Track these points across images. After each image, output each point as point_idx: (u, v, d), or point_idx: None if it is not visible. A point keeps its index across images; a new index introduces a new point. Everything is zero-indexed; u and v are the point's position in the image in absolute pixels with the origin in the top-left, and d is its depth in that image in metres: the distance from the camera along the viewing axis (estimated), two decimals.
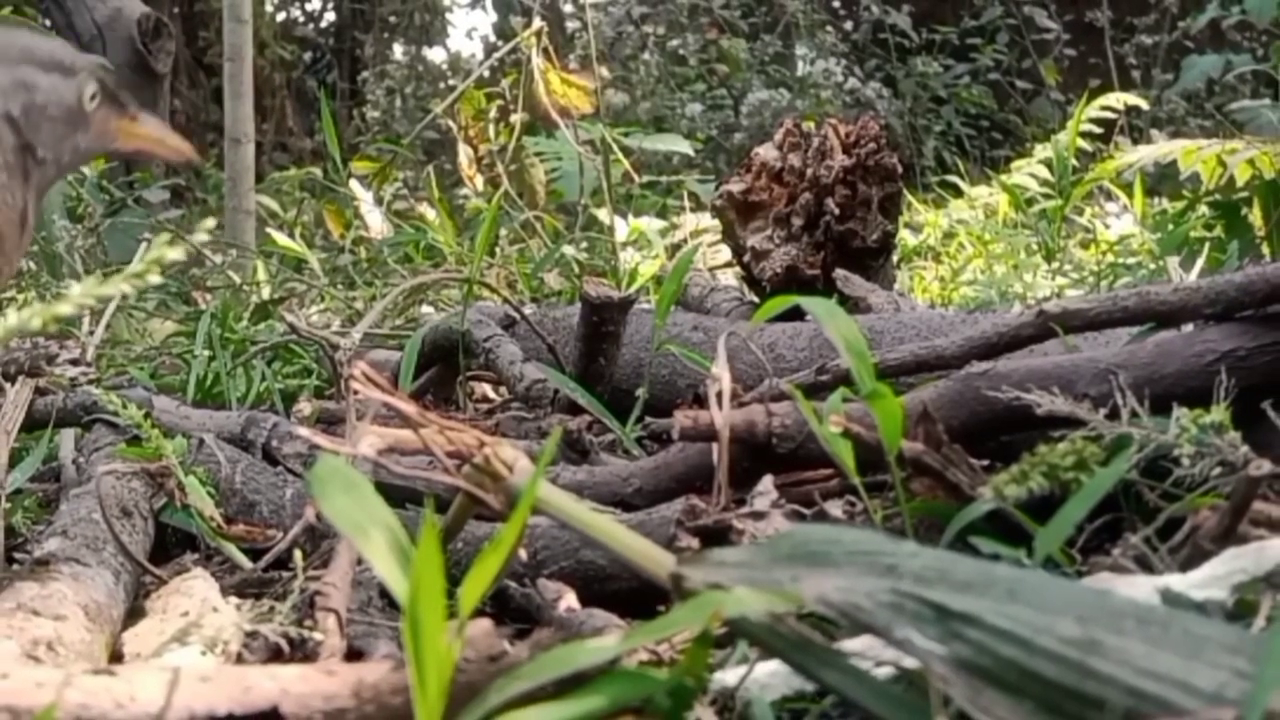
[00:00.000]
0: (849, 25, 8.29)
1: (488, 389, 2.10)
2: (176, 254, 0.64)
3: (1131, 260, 3.04)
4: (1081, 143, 3.77)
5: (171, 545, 1.30)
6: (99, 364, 2.16)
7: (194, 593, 1.03)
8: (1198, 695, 0.54)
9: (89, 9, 5.68)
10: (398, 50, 9.48)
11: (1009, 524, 0.91)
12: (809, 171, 2.12)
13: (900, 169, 2.15)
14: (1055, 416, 0.99)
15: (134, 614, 1.05)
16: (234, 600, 1.05)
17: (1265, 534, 0.84)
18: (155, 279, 0.65)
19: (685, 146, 4.49)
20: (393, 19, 9.53)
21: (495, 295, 2.17)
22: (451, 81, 7.97)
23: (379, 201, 3.76)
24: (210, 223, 0.72)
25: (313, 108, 8.69)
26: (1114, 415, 0.97)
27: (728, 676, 0.74)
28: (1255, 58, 6.23)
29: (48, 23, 5.57)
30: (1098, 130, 4.07)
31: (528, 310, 1.94)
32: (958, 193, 4.41)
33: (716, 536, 1.01)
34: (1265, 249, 2.48)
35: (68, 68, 1.00)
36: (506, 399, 1.93)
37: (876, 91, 7.51)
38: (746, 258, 2.16)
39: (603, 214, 3.44)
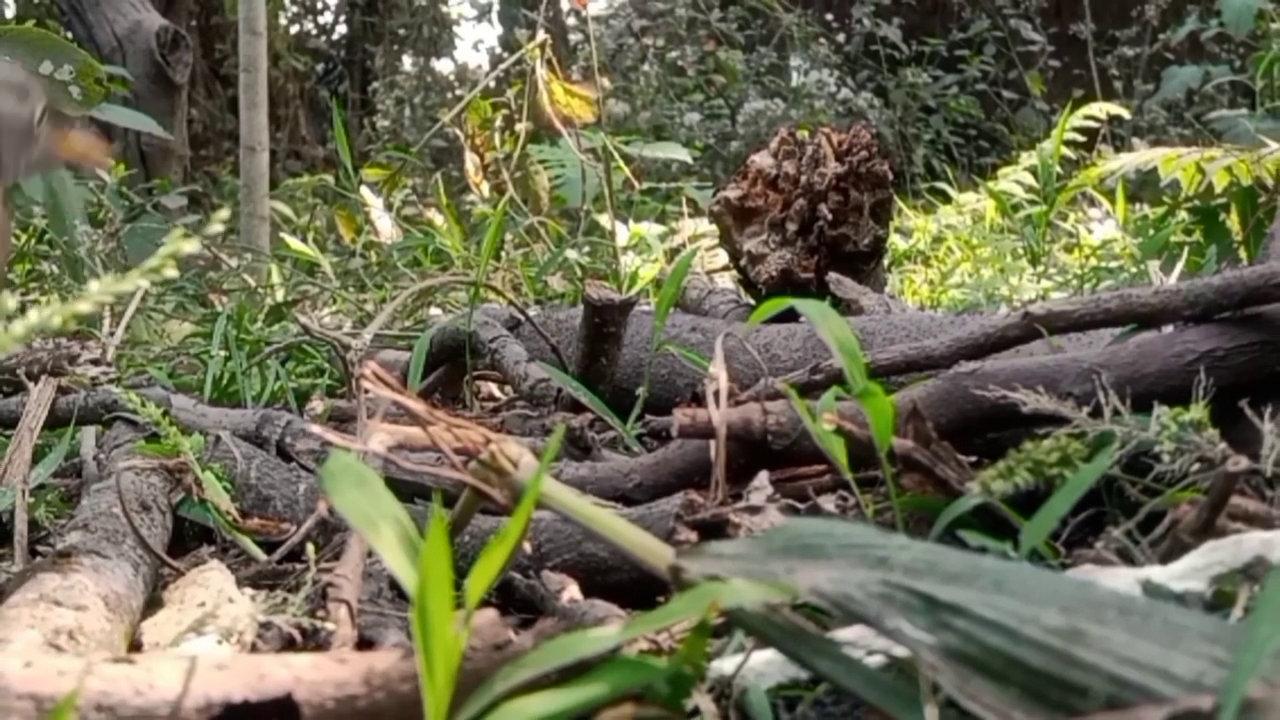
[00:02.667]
0: (841, 38, 8.28)
1: (493, 388, 2.10)
2: (191, 247, 0.65)
3: (1114, 264, 3.04)
4: (1065, 151, 3.77)
5: (189, 539, 1.30)
6: (119, 364, 2.16)
7: (210, 584, 1.03)
8: (1177, 683, 0.54)
9: (109, 22, 5.68)
10: (407, 62, 9.49)
11: (996, 518, 0.91)
12: (803, 178, 2.12)
13: (891, 176, 2.15)
14: (1040, 414, 0.99)
15: (153, 604, 1.05)
16: (249, 591, 1.05)
17: (1243, 527, 0.84)
18: (171, 273, 0.65)
19: (684, 154, 4.49)
20: (402, 31, 9.53)
21: (500, 298, 2.17)
22: (459, 92, 7.97)
23: (389, 207, 3.76)
24: (224, 213, 0.73)
25: (325, 117, 8.69)
26: (1097, 413, 0.97)
27: (725, 665, 0.74)
28: (1233, 69, 6.23)
29: (69, 35, 5.56)
30: (1081, 139, 4.07)
31: (532, 312, 1.94)
32: (946, 199, 4.41)
33: (714, 530, 1.01)
34: (1242, 253, 2.47)
35: (23, 90, 1.09)
36: (511, 397, 1.93)
37: (868, 101, 7.51)
38: (743, 261, 2.16)
39: (604, 219, 3.44)
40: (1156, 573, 0.75)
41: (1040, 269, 3.15)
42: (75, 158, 1.26)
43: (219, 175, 7.58)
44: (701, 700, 0.70)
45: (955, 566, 0.62)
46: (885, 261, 2.38)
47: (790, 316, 1.44)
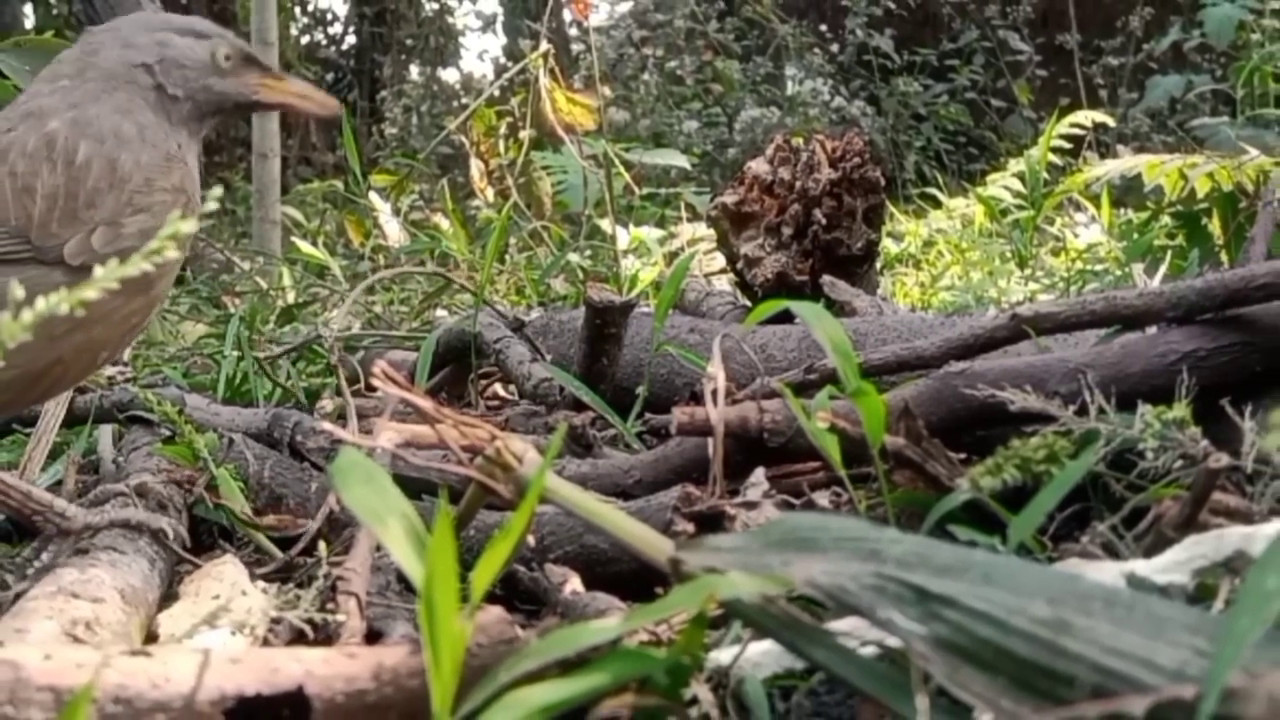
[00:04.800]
0: (835, 48, 8.28)
1: (498, 387, 2.10)
2: (190, 227, 0.65)
3: (1099, 267, 3.04)
4: (1052, 157, 3.77)
5: (204, 536, 1.29)
6: (135, 363, 2.16)
7: (225, 577, 1.03)
8: (1161, 672, 0.54)
9: None
10: (414, 71, 9.48)
11: (985, 513, 0.91)
12: (798, 184, 2.12)
13: (883, 182, 2.15)
14: (1028, 413, 1.00)
15: (169, 597, 1.05)
16: (262, 585, 1.05)
17: (1224, 522, 0.84)
18: (173, 254, 0.64)
19: (682, 161, 4.50)
20: (409, 42, 9.53)
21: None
22: (464, 100, 7.96)
23: (396, 212, 3.76)
24: (217, 191, 0.73)
25: (334, 124, 8.68)
26: (1083, 412, 0.97)
27: (722, 655, 0.74)
28: (1214, 78, 6.23)
29: None
30: (1067, 146, 4.07)
31: (535, 314, 1.94)
32: (937, 204, 4.41)
33: (711, 522, 1.01)
34: (1224, 257, 2.47)
35: (201, 33, 1.21)
36: (516, 396, 1.93)
37: (861, 109, 7.51)
38: (740, 265, 2.16)
39: (605, 223, 3.44)
40: (1140, 566, 0.75)
41: (1028, 272, 3.15)
42: (287, 102, 1.24)
43: (232, 181, 7.58)
44: (699, 690, 0.70)
45: (946, 560, 0.62)
46: (877, 264, 2.38)
47: (786, 318, 1.44)
